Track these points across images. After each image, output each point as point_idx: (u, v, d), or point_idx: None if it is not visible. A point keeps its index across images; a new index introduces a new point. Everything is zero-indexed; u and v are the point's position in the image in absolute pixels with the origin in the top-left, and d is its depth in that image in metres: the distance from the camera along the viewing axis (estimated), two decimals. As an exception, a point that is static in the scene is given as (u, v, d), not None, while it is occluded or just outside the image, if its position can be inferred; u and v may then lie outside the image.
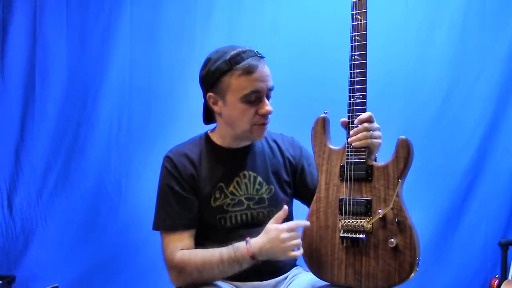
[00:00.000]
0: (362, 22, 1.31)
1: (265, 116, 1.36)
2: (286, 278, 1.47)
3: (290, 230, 1.26)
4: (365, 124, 1.28)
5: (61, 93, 2.68)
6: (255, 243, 1.27)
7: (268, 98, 1.37)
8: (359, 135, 1.28)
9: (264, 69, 1.34)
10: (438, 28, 2.44)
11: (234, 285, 1.41)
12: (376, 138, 1.29)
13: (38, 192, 2.66)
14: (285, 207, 1.31)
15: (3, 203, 2.66)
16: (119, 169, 2.64)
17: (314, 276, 1.37)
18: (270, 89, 1.37)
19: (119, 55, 2.66)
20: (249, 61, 1.32)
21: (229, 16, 2.59)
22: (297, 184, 1.51)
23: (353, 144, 1.29)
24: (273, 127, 1.57)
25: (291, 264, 1.50)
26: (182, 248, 1.36)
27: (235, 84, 1.32)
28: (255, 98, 1.33)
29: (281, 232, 1.25)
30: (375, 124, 1.30)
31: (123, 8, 2.66)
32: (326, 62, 2.45)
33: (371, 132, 1.28)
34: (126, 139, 2.65)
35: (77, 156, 2.66)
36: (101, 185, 2.64)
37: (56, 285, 2.49)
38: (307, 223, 1.32)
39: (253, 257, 1.27)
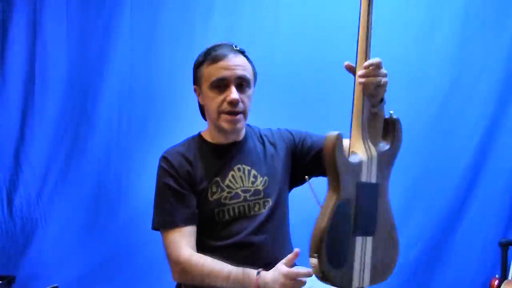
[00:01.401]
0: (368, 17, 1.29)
1: (231, 104, 1.38)
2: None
3: (291, 278, 1.27)
4: (376, 64, 1.22)
5: (61, 93, 2.69)
6: (265, 276, 1.29)
7: (241, 89, 1.39)
8: (370, 78, 1.21)
9: (235, 58, 1.39)
10: (438, 28, 2.44)
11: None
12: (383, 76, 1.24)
13: (38, 192, 2.66)
14: (296, 250, 1.32)
15: (3, 203, 2.66)
16: (119, 169, 2.65)
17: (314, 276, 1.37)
18: (242, 79, 1.39)
19: (119, 55, 2.66)
20: (219, 51, 1.39)
21: (229, 16, 2.59)
22: (306, 159, 1.50)
23: (364, 81, 1.20)
24: (271, 125, 1.57)
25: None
26: (186, 245, 1.37)
27: (205, 73, 1.40)
28: (222, 85, 1.38)
29: (284, 277, 1.27)
30: (383, 70, 1.24)
31: (123, 8, 2.67)
32: (326, 61, 2.46)
33: (380, 72, 1.23)
34: (126, 139, 2.66)
35: (77, 156, 2.66)
36: (101, 185, 2.64)
37: (56, 285, 2.49)
38: (310, 272, 1.26)
39: (259, 287, 1.28)
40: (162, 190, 1.41)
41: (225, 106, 1.38)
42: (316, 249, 1.20)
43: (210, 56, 1.39)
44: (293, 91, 2.47)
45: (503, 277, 2.23)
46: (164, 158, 1.43)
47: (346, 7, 2.32)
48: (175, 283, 1.49)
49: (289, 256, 1.31)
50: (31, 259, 2.60)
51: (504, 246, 2.25)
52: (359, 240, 1.26)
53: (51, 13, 2.68)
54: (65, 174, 2.67)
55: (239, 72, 1.39)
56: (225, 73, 1.37)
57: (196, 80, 1.45)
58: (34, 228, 2.63)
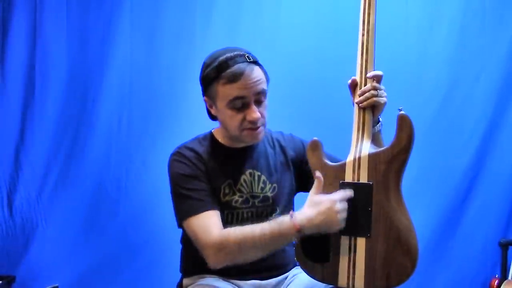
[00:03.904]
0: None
1: (253, 122, 1.35)
2: (286, 277, 1.48)
3: (342, 200, 1.22)
4: (374, 84, 1.30)
5: (61, 93, 2.68)
6: (303, 215, 1.21)
7: (259, 102, 1.36)
8: (367, 94, 1.30)
9: (252, 74, 1.32)
10: (437, 28, 2.44)
11: (235, 285, 1.42)
12: (382, 97, 1.31)
13: (38, 192, 2.66)
14: (318, 173, 1.26)
15: (3, 203, 2.65)
16: (119, 169, 2.64)
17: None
18: (261, 93, 1.35)
19: (119, 55, 2.66)
20: (235, 68, 1.30)
21: (229, 16, 2.59)
22: (307, 174, 1.49)
23: (360, 104, 1.30)
24: (273, 127, 1.58)
25: (292, 263, 1.51)
26: (214, 226, 1.30)
27: (221, 91, 1.33)
28: (241, 104, 1.33)
29: (335, 202, 1.20)
30: (383, 92, 1.32)
31: (123, 8, 2.66)
32: (326, 61, 2.46)
33: (378, 91, 1.30)
34: (126, 139, 2.65)
35: (77, 156, 2.65)
36: (101, 185, 2.63)
37: (56, 285, 2.49)
38: (351, 193, 1.25)
39: (300, 230, 1.20)
40: (179, 181, 1.36)
41: (246, 124, 1.35)
42: (295, 243, 1.28)
43: (224, 74, 1.30)
44: (294, 91, 2.46)
45: (503, 277, 2.23)
46: (176, 153, 1.40)
47: (348, 6, 2.33)
48: (175, 283, 1.50)
49: (318, 183, 1.26)
50: (31, 259, 2.59)
51: (504, 246, 2.25)
52: (345, 239, 1.26)
53: (51, 13, 2.68)
54: (65, 174, 2.66)
55: (258, 88, 1.33)
56: (243, 93, 1.32)
57: (209, 94, 1.38)
58: (34, 228, 2.63)
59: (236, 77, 1.30)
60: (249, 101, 1.33)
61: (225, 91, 1.32)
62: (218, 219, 1.33)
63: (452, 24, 2.43)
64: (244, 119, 1.34)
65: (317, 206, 1.22)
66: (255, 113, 1.33)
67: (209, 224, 1.30)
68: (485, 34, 2.40)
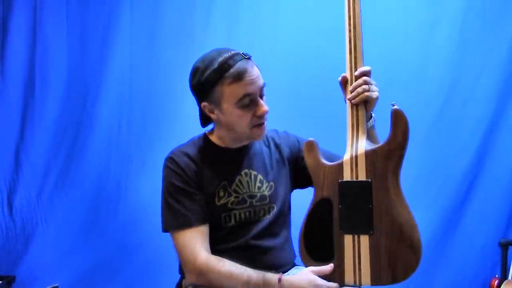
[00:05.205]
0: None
1: (262, 116, 1.36)
2: (286, 278, 1.47)
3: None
4: (365, 78, 1.29)
5: (61, 93, 2.69)
6: (291, 284, 1.27)
7: (261, 96, 1.37)
8: (358, 89, 1.29)
9: (253, 70, 1.33)
10: (438, 28, 2.44)
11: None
12: (374, 91, 1.30)
13: (38, 192, 2.67)
14: (331, 265, 1.29)
15: (3, 203, 2.66)
16: (119, 169, 2.64)
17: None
18: (263, 88, 1.37)
19: (119, 55, 2.66)
20: (237, 66, 1.31)
21: (229, 16, 2.59)
22: (303, 171, 1.49)
23: (352, 101, 1.30)
24: (270, 125, 1.57)
25: (291, 264, 1.51)
26: (202, 246, 1.33)
27: (227, 92, 1.32)
28: (249, 101, 1.33)
29: (318, 280, 1.27)
30: (374, 87, 1.31)
31: (123, 8, 2.67)
32: (326, 61, 2.45)
33: (369, 85, 1.29)
34: (126, 139, 2.65)
35: (77, 156, 2.66)
36: (101, 185, 2.64)
37: (56, 285, 2.49)
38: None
39: None
40: (170, 190, 1.37)
41: (255, 120, 1.35)
42: (299, 245, 1.30)
43: (228, 74, 1.29)
44: (293, 91, 2.46)
45: (503, 277, 2.23)
46: (170, 159, 1.40)
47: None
48: (174, 284, 1.49)
49: (325, 268, 1.29)
50: (31, 259, 2.60)
51: (504, 246, 2.24)
52: (348, 237, 1.27)
53: (51, 13, 2.68)
54: (65, 174, 2.67)
55: (261, 82, 1.35)
56: (252, 89, 1.32)
57: (210, 99, 1.35)
58: (34, 228, 2.64)
59: (241, 75, 1.30)
60: (256, 97, 1.34)
61: (232, 91, 1.31)
62: (206, 238, 1.35)
63: (453, 24, 2.42)
64: (253, 115, 1.35)
65: (309, 285, 1.26)
66: (264, 106, 1.35)
67: (195, 245, 1.32)
68: (486, 34, 2.40)
